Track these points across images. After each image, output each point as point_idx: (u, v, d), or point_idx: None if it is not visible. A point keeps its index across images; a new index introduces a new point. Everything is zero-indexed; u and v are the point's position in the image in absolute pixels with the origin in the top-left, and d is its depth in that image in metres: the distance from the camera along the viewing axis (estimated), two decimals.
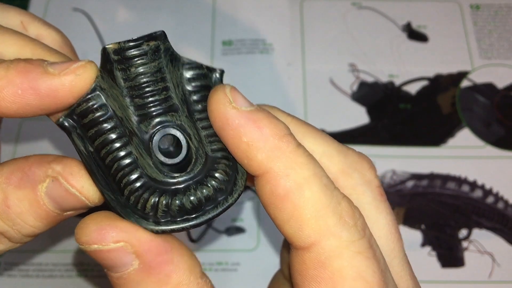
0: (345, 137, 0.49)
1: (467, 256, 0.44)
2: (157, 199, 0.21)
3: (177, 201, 0.21)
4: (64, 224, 0.26)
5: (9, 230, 0.22)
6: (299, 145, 0.22)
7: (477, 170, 0.47)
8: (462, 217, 0.45)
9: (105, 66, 0.23)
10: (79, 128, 0.22)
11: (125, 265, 0.20)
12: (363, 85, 0.52)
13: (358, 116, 0.50)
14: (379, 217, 0.24)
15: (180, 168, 0.22)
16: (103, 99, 0.22)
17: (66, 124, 0.22)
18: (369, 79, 0.52)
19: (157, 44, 0.23)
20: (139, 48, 0.22)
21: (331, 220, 0.20)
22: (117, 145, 0.22)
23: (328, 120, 0.50)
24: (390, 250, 0.24)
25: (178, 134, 0.23)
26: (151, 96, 0.22)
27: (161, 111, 0.23)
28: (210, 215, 0.22)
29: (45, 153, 0.23)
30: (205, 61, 0.52)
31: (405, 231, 0.45)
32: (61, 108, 0.21)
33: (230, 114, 0.21)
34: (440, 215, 0.46)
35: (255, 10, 0.55)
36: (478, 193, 0.46)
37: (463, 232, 0.45)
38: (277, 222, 0.21)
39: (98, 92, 0.22)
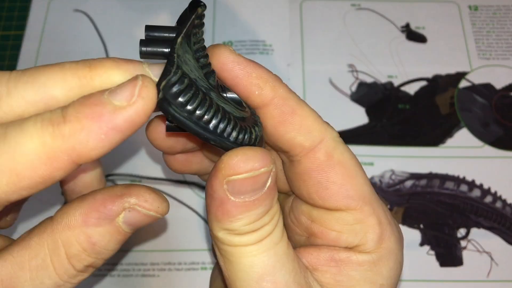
0: (344, 137, 0.48)
1: (466, 255, 0.44)
2: (255, 132, 0.25)
3: (257, 131, 0.25)
4: None
5: (96, 261, 0.24)
6: None
7: (475, 170, 0.47)
8: (460, 217, 0.46)
9: (187, 32, 0.24)
10: (170, 100, 0.23)
11: (264, 185, 0.23)
12: (362, 85, 0.52)
13: (357, 117, 0.50)
14: None
15: (240, 108, 0.26)
16: (182, 69, 0.23)
17: (165, 104, 0.22)
18: (368, 79, 0.52)
19: None
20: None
21: (325, 124, 0.27)
22: (207, 103, 0.23)
23: (327, 120, 0.49)
24: None
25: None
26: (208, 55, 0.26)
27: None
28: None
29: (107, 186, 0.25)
30: None
31: (404, 230, 0.45)
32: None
33: (239, 58, 0.26)
34: (438, 214, 0.46)
35: (255, 11, 0.56)
36: (476, 193, 0.47)
37: (461, 232, 0.45)
38: (288, 137, 0.27)
39: (176, 65, 0.23)
